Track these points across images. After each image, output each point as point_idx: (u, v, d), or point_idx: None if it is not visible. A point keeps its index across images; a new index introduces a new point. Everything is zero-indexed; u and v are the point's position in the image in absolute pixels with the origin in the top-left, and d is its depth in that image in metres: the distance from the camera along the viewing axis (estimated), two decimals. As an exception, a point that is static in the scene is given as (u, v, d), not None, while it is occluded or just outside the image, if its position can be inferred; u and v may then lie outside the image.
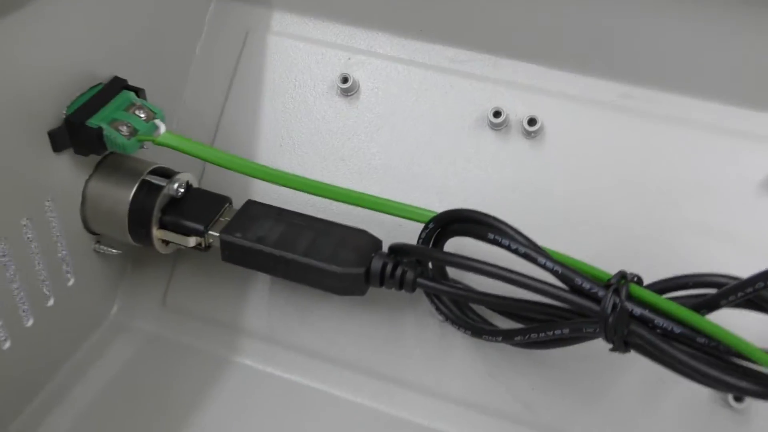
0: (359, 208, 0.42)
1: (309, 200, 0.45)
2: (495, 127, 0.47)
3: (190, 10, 0.52)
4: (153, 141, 0.42)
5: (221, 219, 0.45)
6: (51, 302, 0.45)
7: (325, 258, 0.42)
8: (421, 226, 0.42)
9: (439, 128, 0.49)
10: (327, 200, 0.43)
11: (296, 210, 0.45)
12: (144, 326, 0.51)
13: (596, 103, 0.47)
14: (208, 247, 0.45)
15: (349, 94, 0.50)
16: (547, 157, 0.47)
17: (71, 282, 0.46)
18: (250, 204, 0.46)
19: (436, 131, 0.49)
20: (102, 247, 0.48)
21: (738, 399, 0.42)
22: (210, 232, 0.44)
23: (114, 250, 0.48)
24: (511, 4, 0.47)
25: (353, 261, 0.42)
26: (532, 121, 0.46)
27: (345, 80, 0.49)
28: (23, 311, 0.43)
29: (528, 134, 0.47)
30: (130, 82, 0.44)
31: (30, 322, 0.43)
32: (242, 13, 0.53)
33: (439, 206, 0.42)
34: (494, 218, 0.40)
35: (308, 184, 0.43)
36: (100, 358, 0.49)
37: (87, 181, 0.45)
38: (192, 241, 0.45)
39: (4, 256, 0.41)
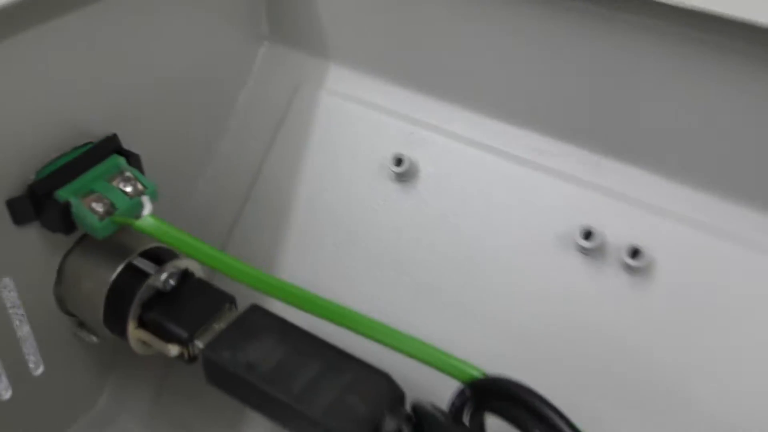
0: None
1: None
2: (584, 251, 0.35)
3: (238, 51, 0.44)
4: (131, 225, 0.34)
5: (215, 325, 0.36)
6: (7, 395, 0.37)
7: (321, 408, 0.32)
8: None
9: (510, 240, 0.37)
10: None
11: (310, 326, 0.35)
12: (129, 425, 0.42)
13: (725, 234, 0.34)
14: (195, 358, 0.36)
15: (403, 179, 0.39)
16: (655, 303, 0.34)
17: (39, 370, 0.38)
18: (253, 311, 0.36)
19: (505, 244, 0.37)
20: (83, 332, 0.39)
21: None
22: (196, 342, 0.35)
23: (95, 338, 0.39)
24: (635, 90, 0.35)
25: (357, 418, 0.32)
26: (635, 252, 0.34)
27: (399, 162, 0.39)
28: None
29: (629, 268, 0.34)
30: (137, 142, 0.36)
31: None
32: (295, 62, 0.43)
33: (496, 353, 0.31)
34: (549, 406, 0.28)
35: (319, 305, 0.33)
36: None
37: (66, 256, 0.37)
38: (173, 350, 0.35)
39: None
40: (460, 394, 0.31)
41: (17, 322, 0.37)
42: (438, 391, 0.35)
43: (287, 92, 0.43)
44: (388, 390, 0.33)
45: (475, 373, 0.31)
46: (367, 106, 0.41)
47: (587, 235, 0.35)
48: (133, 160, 0.36)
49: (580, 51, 0.35)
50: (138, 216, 0.34)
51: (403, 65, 0.40)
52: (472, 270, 0.38)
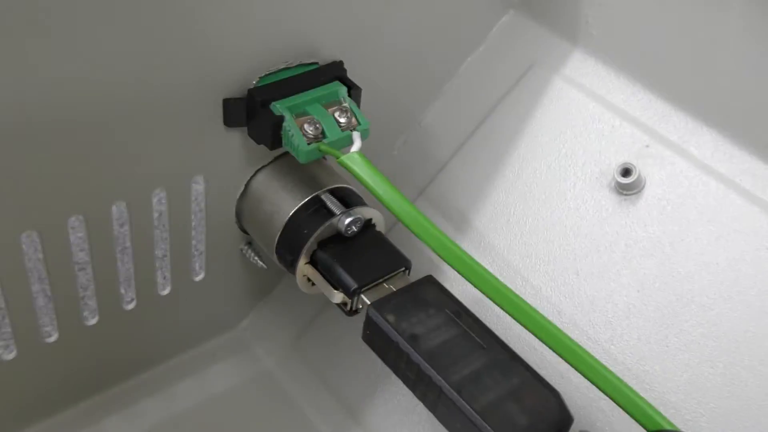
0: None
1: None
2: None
3: (480, 12, 0.41)
4: (336, 156, 0.32)
5: (385, 285, 0.34)
6: (167, 290, 0.37)
7: (479, 405, 0.29)
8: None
9: (729, 294, 0.32)
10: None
11: (484, 314, 0.32)
12: (262, 357, 0.41)
13: None
14: (355, 311, 0.34)
15: (626, 192, 0.35)
16: None
17: (200, 277, 0.38)
18: (428, 282, 0.33)
19: (721, 296, 0.32)
20: (250, 251, 0.38)
21: None
22: (362, 296, 0.33)
23: (260, 262, 0.38)
24: None
25: (516, 429, 0.28)
26: None
27: (626, 173, 0.35)
28: (125, 294, 0.35)
29: None
30: (360, 76, 0.34)
31: (131, 306, 0.36)
32: (537, 38, 0.40)
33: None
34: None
35: (506, 298, 0.30)
36: (203, 370, 0.41)
37: (257, 172, 0.36)
38: (338, 296, 0.34)
39: (121, 224, 0.33)
40: (640, 442, 0.27)
41: (194, 224, 0.36)
42: (605, 427, 0.32)
43: (519, 68, 0.40)
44: (557, 410, 0.29)
45: (666, 426, 0.27)
46: (604, 105, 0.37)
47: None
48: (354, 92, 0.34)
49: None
50: (344, 150, 0.32)
51: (658, 67, 0.36)
52: (675, 311, 0.33)
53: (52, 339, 0.34)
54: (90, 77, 0.27)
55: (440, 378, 0.30)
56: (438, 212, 0.39)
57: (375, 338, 0.32)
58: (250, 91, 0.32)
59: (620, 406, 0.27)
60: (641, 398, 0.27)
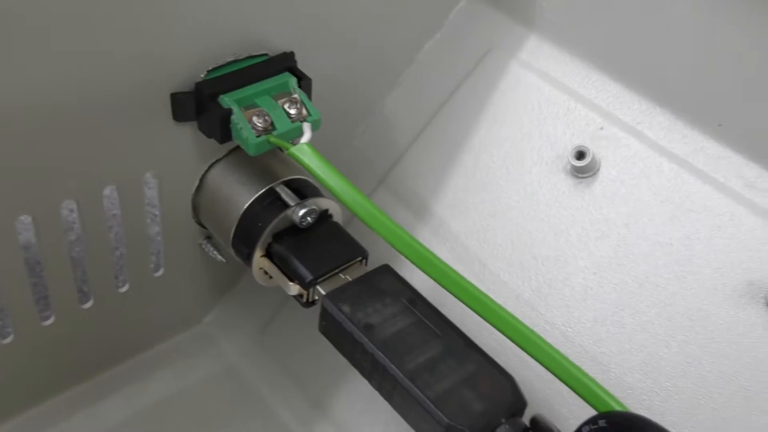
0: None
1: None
2: (774, 308, 0.30)
3: (433, 1, 0.41)
4: (286, 149, 0.31)
5: (342, 275, 0.34)
6: (125, 288, 0.37)
7: (434, 393, 0.29)
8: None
9: (683, 274, 0.32)
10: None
11: (442, 301, 0.32)
12: (228, 350, 0.41)
13: None
14: (312, 302, 0.34)
15: (581, 175, 0.35)
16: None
17: (159, 273, 0.38)
18: (385, 272, 0.33)
19: (673, 276, 0.32)
20: (209, 246, 0.38)
21: None
22: (318, 288, 0.33)
23: (220, 257, 0.38)
24: None
25: (470, 415, 0.28)
26: (837, 325, 0.28)
27: (581, 156, 0.35)
28: (82, 293, 0.35)
29: (823, 341, 0.29)
30: (313, 66, 0.34)
31: (89, 304, 0.35)
32: (494, 23, 0.40)
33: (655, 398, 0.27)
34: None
35: (456, 284, 0.30)
36: (168, 366, 0.41)
37: (211, 166, 0.36)
38: (294, 288, 0.33)
39: (72, 222, 0.33)
40: (592, 422, 0.27)
41: (149, 221, 0.36)
42: (562, 410, 0.32)
43: (476, 53, 0.39)
44: (511, 395, 0.29)
45: (616, 407, 0.27)
46: (560, 88, 0.37)
47: (784, 291, 0.30)
48: (304, 83, 0.33)
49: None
50: (295, 142, 0.32)
51: (612, 50, 0.36)
52: (630, 292, 0.33)
53: (8, 340, 0.34)
54: (32, 75, 0.27)
55: (394, 367, 0.30)
56: (398, 199, 0.39)
57: (330, 329, 0.32)
58: (197, 84, 0.32)
59: (572, 389, 0.28)
60: (592, 380, 0.27)
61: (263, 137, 0.32)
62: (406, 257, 0.30)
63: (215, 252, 0.38)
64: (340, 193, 0.31)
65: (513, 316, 0.29)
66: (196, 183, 0.36)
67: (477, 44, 0.40)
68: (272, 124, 0.32)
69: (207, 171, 0.36)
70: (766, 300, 0.30)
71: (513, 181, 0.37)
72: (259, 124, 0.32)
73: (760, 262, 0.31)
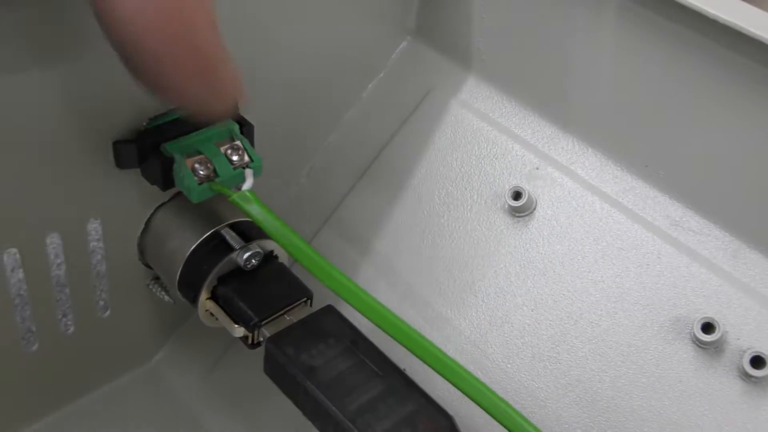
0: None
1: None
2: (702, 345, 0.31)
3: (378, 40, 0.42)
4: (228, 196, 0.32)
5: (287, 317, 0.34)
6: (71, 330, 0.37)
7: (373, 435, 0.30)
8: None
9: (617, 310, 0.34)
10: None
11: (384, 339, 0.33)
12: (177, 389, 0.41)
13: None
14: (257, 344, 0.34)
15: (518, 214, 0.36)
16: None
17: (106, 314, 0.38)
18: (328, 312, 0.34)
19: (609, 311, 0.34)
20: (157, 287, 0.39)
21: None
22: (263, 329, 0.34)
23: (167, 297, 0.39)
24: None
25: (409, 457, 0.29)
26: (757, 362, 0.30)
27: (517, 196, 0.36)
28: (26, 336, 0.35)
29: (746, 376, 0.30)
30: (255, 111, 0.34)
31: (35, 347, 0.36)
32: (434, 64, 0.41)
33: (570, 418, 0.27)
34: None
35: (399, 330, 0.30)
36: (116, 406, 0.41)
37: (157, 209, 0.36)
38: (239, 331, 0.34)
39: (12, 269, 0.33)
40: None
41: (95, 262, 0.36)
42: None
43: (418, 93, 0.41)
44: (448, 435, 0.30)
45: (547, 446, 0.28)
46: (497, 128, 0.38)
47: (707, 328, 0.31)
48: (246, 129, 0.34)
49: (753, 113, 0.31)
50: (237, 188, 0.33)
51: (546, 93, 0.37)
52: (566, 329, 0.34)
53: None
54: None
55: (335, 409, 0.30)
56: (343, 239, 0.40)
57: (275, 371, 0.33)
58: (140, 133, 0.32)
59: (507, 429, 0.28)
60: (524, 418, 0.28)
61: (205, 184, 0.32)
62: (346, 301, 0.31)
63: (163, 293, 0.39)
64: (281, 239, 0.31)
65: (444, 354, 0.30)
66: (142, 226, 0.36)
67: (418, 84, 0.41)
68: (215, 171, 0.32)
69: (153, 214, 0.36)
70: (691, 336, 0.31)
71: (454, 219, 0.38)
72: (201, 172, 0.32)
73: (686, 298, 0.32)
